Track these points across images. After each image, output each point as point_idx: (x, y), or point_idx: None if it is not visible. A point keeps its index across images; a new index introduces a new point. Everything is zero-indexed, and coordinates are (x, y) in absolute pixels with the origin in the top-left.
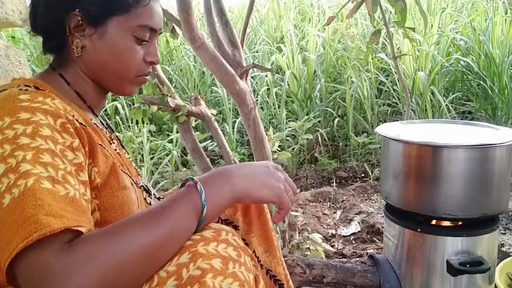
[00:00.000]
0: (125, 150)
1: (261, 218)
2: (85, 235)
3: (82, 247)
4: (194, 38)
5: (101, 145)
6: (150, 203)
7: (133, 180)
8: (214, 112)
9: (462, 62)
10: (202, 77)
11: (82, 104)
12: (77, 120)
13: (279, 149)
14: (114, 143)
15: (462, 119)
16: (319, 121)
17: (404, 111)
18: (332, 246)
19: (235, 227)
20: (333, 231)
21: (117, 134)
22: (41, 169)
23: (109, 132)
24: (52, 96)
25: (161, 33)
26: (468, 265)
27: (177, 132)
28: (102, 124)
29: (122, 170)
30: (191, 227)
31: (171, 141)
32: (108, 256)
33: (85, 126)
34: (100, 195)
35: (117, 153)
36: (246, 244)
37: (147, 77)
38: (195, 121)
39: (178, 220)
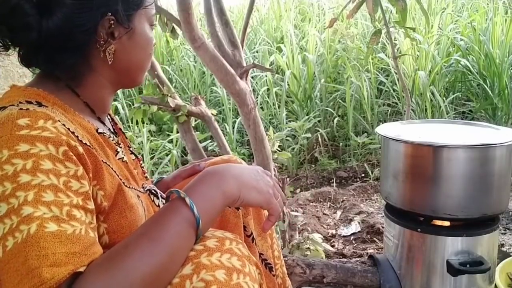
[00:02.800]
0: (131, 151)
1: None
2: (87, 275)
3: None
4: (194, 38)
5: (105, 162)
6: (158, 205)
7: (139, 189)
8: (214, 112)
9: (462, 62)
10: (202, 77)
11: (89, 112)
12: (80, 141)
13: (279, 149)
14: (120, 147)
15: (462, 119)
16: (319, 121)
17: (404, 111)
18: (332, 246)
19: (237, 207)
20: (333, 231)
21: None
22: (44, 209)
23: (116, 136)
24: (53, 118)
25: None
26: (468, 265)
27: (177, 132)
28: (109, 130)
29: (127, 185)
30: (190, 244)
31: (171, 141)
32: None
33: (90, 146)
34: (109, 218)
35: (124, 161)
36: (246, 229)
37: None
38: (195, 121)
39: (176, 241)
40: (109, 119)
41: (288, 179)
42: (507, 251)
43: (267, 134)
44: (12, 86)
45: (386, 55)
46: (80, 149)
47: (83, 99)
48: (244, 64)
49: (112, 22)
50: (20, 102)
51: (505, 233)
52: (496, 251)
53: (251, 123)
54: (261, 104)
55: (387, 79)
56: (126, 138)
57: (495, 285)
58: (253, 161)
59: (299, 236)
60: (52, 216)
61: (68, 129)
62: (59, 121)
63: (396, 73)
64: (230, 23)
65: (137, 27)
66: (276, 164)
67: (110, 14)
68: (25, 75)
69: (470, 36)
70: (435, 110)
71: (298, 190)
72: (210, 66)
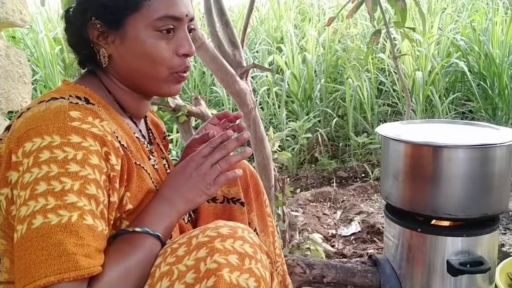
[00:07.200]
0: (165, 156)
1: (258, 199)
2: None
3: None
4: (194, 38)
5: (139, 164)
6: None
7: None
8: (214, 112)
9: (462, 63)
10: (202, 77)
11: (123, 113)
12: (119, 142)
13: (279, 149)
14: (153, 156)
15: (462, 119)
16: (319, 121)
17: (404, 111)
18: (332, 246)
19: (242, 204)
20: (333, 231)
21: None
22: (85, 201)
23: (149, 144)
24: (101, 116)
25: (192, 19)
26: (468, 265)
27: (177, 132)
28: (144, 136)
29: (158, 189)
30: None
31: (171, 141)
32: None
33: (126, 148)
34: (132, 217)
35: (155, 168)
36: (250, 225)
37: (186, 73)
38: (195, 121)
39: (148, 259)
40: (148, 128)
41: (288, 179)
42: (507, 251)
43: (267, 134)
44: (64, 81)
45: (386, 55)
46: (121, 150)
47: (114, 97)
48: (244, 64)
49: (99, 26)
50: (70, 96)
51: (505, 233)
52: (496, 251)
53: (251, 123)
54: (261, 104)
55: (387, 79)
56: (161, 149)
57: (495, 285)
58: (253, 161)
59: (299, 236)
60: (90, 209)
61: (111, 131)
62: (105, 120)
63: (396, 73)
64: (230, 23)
65: (130, 33)
66: (276, 164)
67: (94, 18)
68: (25, 75)
69: (470, 36)
70: (435, 110)
71: (298, 190)
72: (210, 66)
